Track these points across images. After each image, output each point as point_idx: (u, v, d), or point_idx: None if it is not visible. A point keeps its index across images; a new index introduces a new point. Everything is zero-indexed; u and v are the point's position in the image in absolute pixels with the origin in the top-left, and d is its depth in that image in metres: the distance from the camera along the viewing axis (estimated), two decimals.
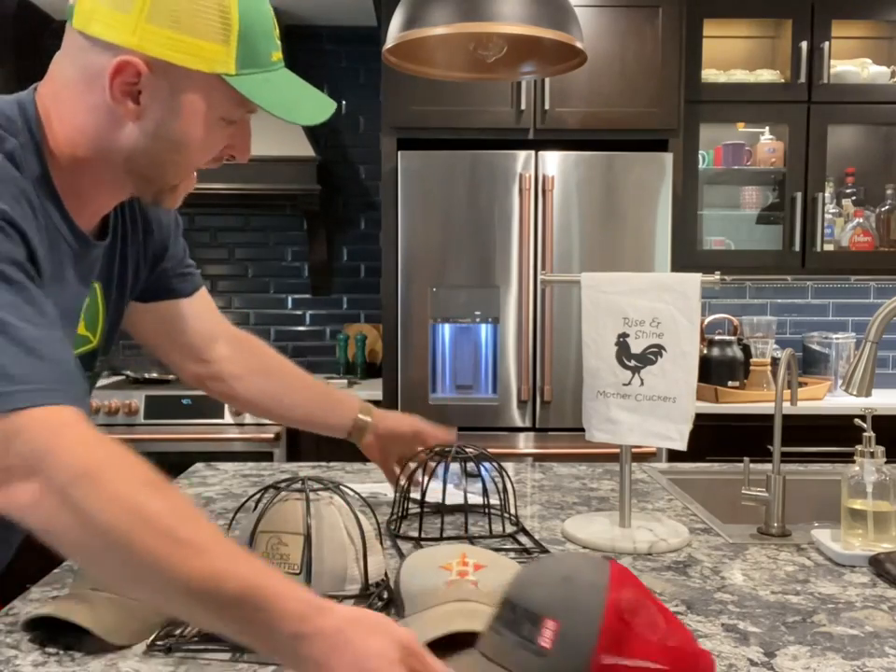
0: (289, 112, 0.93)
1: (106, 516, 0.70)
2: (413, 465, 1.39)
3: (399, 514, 1.36)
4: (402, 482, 1.38)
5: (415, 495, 1.39)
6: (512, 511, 1.37)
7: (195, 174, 0.99)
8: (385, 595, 1.01)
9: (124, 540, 0.70)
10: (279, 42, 0.95)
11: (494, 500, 1.34)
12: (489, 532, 1.31)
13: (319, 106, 0.98)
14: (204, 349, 1.31)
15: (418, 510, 1.36)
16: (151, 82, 0.88)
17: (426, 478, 1.35)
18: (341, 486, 1.04)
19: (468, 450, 1.36)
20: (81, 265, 0.99)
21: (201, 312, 1.29)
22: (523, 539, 1.30)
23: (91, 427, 0.77)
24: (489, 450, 1.40)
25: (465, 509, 1.31)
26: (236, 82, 0.90)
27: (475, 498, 1.56)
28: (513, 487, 1.40)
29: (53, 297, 0.91)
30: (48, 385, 0.76)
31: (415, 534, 1.29)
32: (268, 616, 0.69)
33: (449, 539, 1.26)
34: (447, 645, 0.86)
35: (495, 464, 1.35)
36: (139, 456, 0.76)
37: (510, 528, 1.33)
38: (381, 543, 1.07)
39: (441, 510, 1.32)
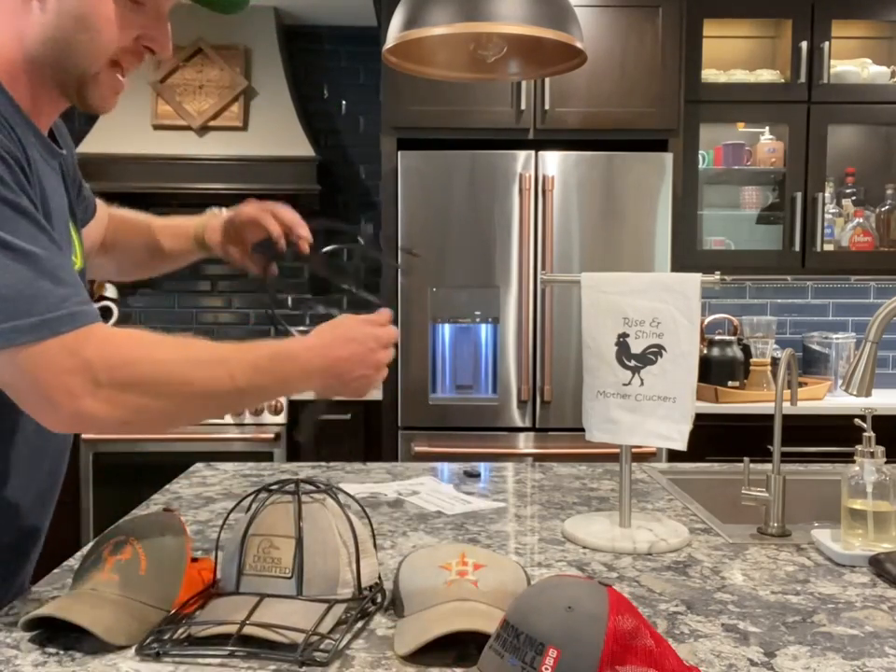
0: None
1: (185, 378, 0.91)
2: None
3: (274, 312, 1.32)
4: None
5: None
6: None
7: (122, 74, 0.98)
8: (379, 599, 1.01)
9: (203, 383, 0.92)
10: None
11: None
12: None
13: None
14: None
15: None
16: None
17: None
18: (334, 488, 1.03)
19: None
20: (55, 175, 1.02)
21: (90, 231, 1.30)
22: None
23: (125, 330, 0.93)
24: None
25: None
26: None
27: (479, 501, 1.56)
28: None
29: (43, 204, 0.95)
30: (86, 307, 0.87)
31: None
32: (294, 364, 0.99)
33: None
34: (448, 644, 0.86)
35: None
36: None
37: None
38: (375, 546, 1.07)
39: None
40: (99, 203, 1.33)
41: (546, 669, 0.71)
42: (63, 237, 1.00)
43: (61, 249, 0.90)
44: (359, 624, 0.95)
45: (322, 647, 0.88)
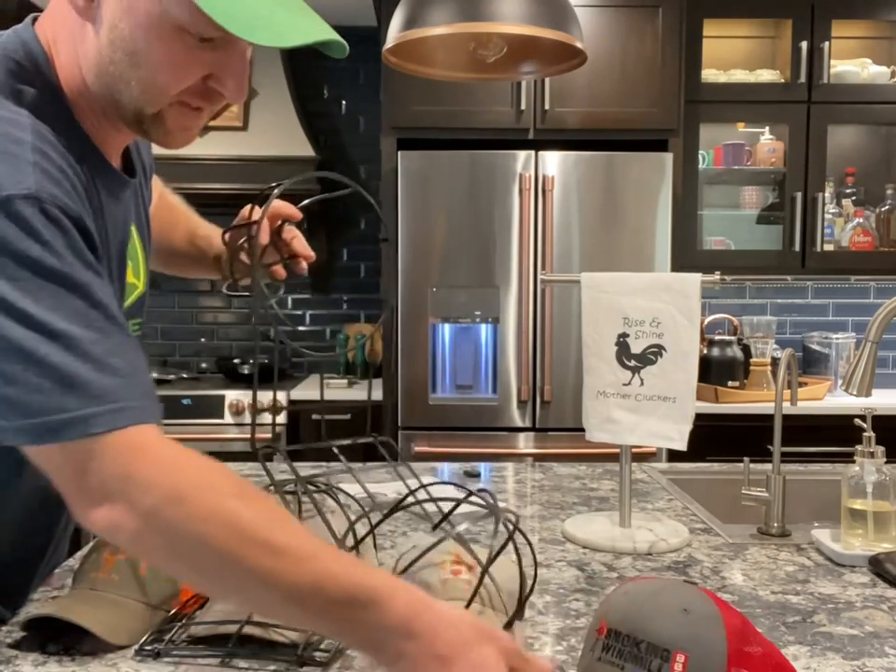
0: (244, 27, 0.74)
1: (199, 536, 0.70)
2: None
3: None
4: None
5: None
6: None
7: (197, 113, 0.85)
8: None
9: (221, 557, 0.70)
10: None
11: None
12: None
13: (301, 30, 0.79)
14: None
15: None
16: None
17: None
18: (334, 488, 1.03)
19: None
20: (120, 206, 0.94)
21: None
22: None
23: (172, 444, 0.77)
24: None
25: None
26: None
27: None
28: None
29: (105, 248, 0.88)
30: (124, 404, 0.74)
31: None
32: (373, 615, 0.68)
33: None
34: None
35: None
36: (223, 467, 0.76)
37: None
38: (375, 546, 1.07)
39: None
40: (155, 182, 1.21)
41: None
42: (116, 274, 0.94)
43: (118, 325, 0.77)
44: None
45: (322, 647, 0.88)
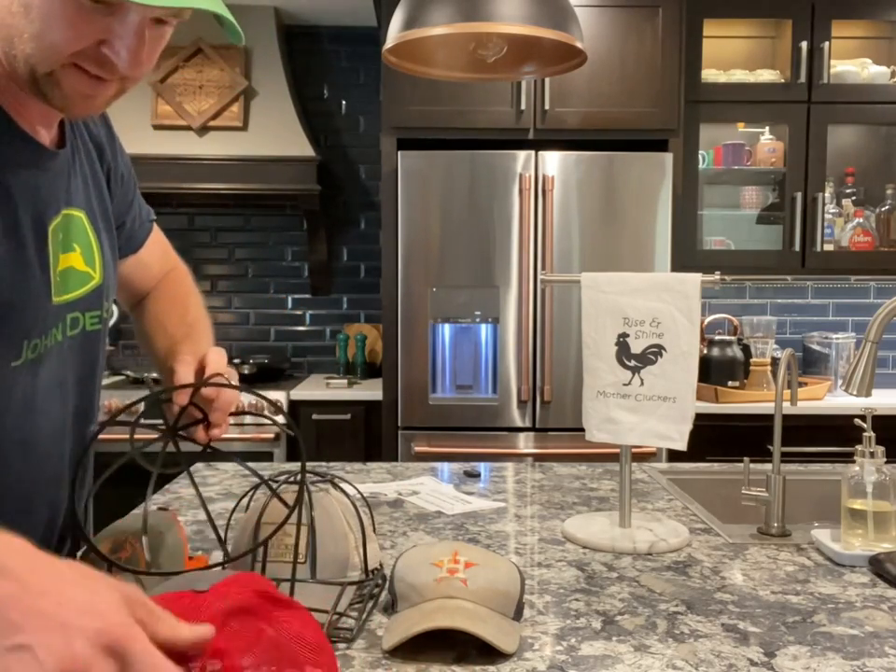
0: None
1: None
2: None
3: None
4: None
5: None
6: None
7: (95, 81, 0.82)
8: (380, 582, 1.05)
9: None
10: None
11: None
12: None
13: None
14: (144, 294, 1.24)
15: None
16: None
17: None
18: (335, 479, 1.07)
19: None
20: (44, 176, 0.90)
21: (148, 262, 1.21)
22: None
23: None
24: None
25: None
26: None
27: (479, 501, 1.56)
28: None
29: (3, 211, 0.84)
30: None
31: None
32: None
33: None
34: (447, 644, 0.86)
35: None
36: None
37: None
38: (375, 531, 1.10)
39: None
40: (162, 255, 1.21)
41: None
42: (34, 244, 0.89)
43: None
44: (370, 604, 1.00)
45: (343, 625, 0.92)
